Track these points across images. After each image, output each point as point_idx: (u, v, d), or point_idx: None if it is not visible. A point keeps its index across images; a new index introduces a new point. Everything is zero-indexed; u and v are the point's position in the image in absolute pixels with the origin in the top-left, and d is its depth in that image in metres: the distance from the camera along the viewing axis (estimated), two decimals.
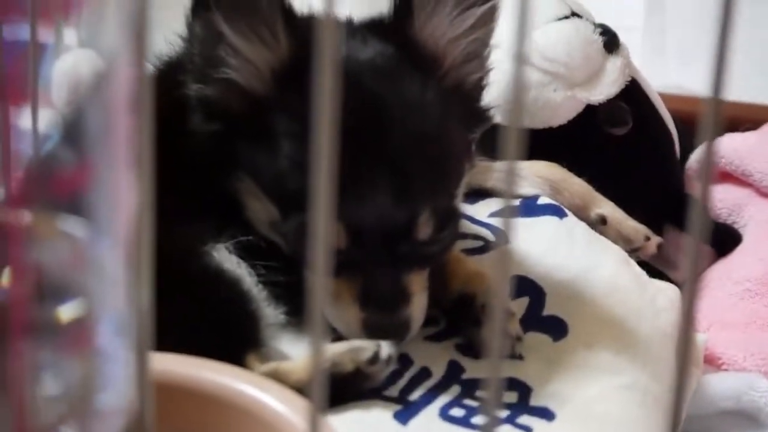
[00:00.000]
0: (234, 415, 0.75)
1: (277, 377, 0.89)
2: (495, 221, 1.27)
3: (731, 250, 1.53)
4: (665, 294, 1.22)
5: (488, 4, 1.06)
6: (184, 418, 0.74)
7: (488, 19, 1.07)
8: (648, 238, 1.36)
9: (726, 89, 0.41)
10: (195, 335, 0.91)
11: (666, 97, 1.65)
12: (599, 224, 1.36)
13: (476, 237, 1.24)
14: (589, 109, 1.51)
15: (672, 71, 2.11)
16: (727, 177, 1.61)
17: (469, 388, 1.02)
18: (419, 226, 1.02)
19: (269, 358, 1.00)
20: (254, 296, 1.03)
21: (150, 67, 0.48)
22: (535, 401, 1.00)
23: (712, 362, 1.30)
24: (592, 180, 1.40)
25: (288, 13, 1.03)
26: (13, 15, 0.55)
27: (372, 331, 1.01)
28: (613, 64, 1.51)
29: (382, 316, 1.02)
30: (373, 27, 1.10)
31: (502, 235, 0.45)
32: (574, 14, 1.53)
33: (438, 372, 1.04)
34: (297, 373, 0.94)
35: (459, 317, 1.09)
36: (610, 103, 1.52)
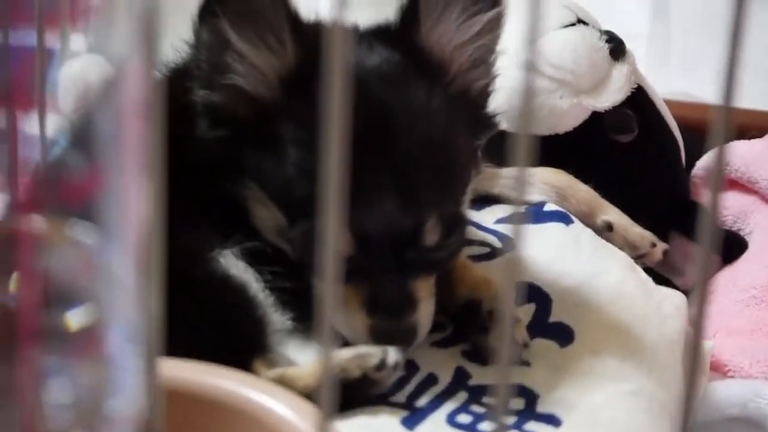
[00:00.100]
0: (241, 421, 0.75)
1: (284, 383, 0.89)
2: (502, 228, 1.27)
3: (737, 257, 1.53)
4: (671, 301, 1.22)
5: (494, 11, 1.06)
6: (191, 424, 0.74)
7: (494, 26, 1.07)
8: (654, 245, 1.36)
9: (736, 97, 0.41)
10: (202, 341, 0.91)
11: (671, 104, 1.65)
12: (605, 231, 1.35)
13: (483, 243, 1.24)
14: (595, 116, 1.51)
15: (677, 78, 2.10)
16: (733, 184, 1.61)
17: (476, 394, 1.02)
18: (426, 233, 1.02)
19: (276, 364, 0.99)
20: (261, 302, 1.03)
21: (157, 74, 0.48)
22: (541, 408, 1.00)
23: (718, 369, 1.30)
24: (598, 187, 1.40)
25: (295, 19, 1.03)
26: (21, 21, 0.55)
27: (379, 337, 1.01)
28: (619, 71, 1.51)
29: (389, 322, 1.02)
30: (379, 33, 1.10)
31: (511, 242, 0.45)
32: (580, 21, 1.53)
33: (445, 378, 1.04)
34: (304, 379, 0.94)
35: (465, 323, 1.09)
36: (616, 110, 1.51)
